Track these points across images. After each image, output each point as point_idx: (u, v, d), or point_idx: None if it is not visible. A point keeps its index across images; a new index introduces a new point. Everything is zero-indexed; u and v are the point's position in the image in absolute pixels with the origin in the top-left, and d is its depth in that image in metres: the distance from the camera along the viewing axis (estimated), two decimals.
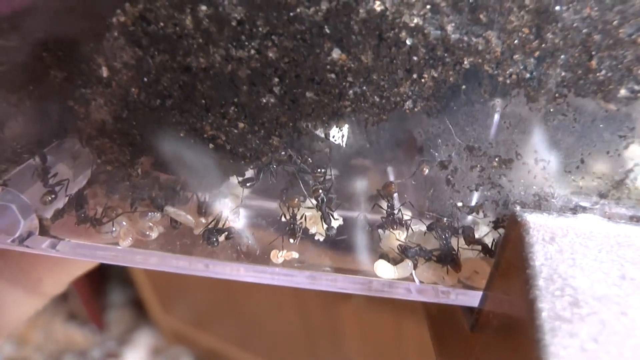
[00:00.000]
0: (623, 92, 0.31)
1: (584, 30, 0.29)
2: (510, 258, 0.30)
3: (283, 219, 0.35)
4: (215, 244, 0.35)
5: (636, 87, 0.30)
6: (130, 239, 0.35)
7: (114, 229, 0.35)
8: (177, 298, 1.77)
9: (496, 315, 0.32)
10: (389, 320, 1.37)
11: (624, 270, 0.28)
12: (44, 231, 0.35)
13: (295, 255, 0.36)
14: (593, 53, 0.30)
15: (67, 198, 0.36)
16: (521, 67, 0.30)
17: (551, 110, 0.31)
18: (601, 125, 0.31)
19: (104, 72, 0.30)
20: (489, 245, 0.34)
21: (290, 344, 1.62)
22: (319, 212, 0.35)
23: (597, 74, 0.30)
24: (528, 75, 0.30)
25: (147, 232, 0.35)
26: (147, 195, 0.34)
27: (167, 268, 0.36)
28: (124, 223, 0.35)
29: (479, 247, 0.34)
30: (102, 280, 1.84)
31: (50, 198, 0.34)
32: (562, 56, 0.30)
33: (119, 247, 0.35)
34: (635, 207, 0.33)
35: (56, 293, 0.49)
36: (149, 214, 0.35)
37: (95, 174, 0.35)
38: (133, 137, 0.32)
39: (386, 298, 0.35)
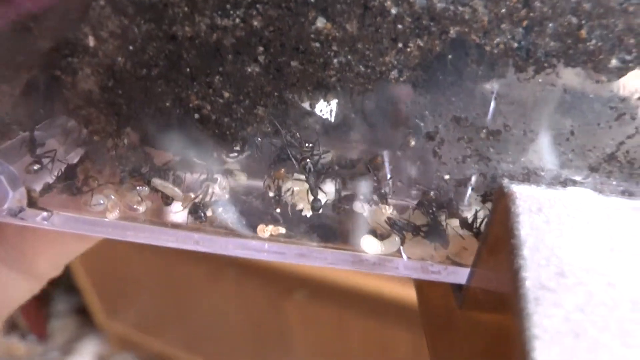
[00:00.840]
0: (614, 62, 0.30)
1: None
2: (497, 231, 0.30)
3: (270, 193, 0.35)
4: (203, 219, 0.35)
5: (627, 57, 0.30)
6: (118, 211, 0.35)
7: (101, 201, 0.35)
8: (122, 304, 1.77)
9: (483, 292, 0.32)
10: (333, 313, 1.38)
11: (613, 243, 0.28)
12: (32, 203, 0.35)
13: (282, 230, 0.36)
14: (583, 22, 0.29)
15: (57, 172, 0.36)
16: (509, 37, 0.30)
17: (540, 80, 0.30)
18: (591, 96, 0.31)
19: (91, 42, 0.30)
20: (469, 219, 0.33)
21: (237, 345, 1.62)
22: (307, 186, 0.34)
23: (587, 44, 0.30)
24: (516, 44, 0.30)
25: (135, 206, 0.35)
26: (134, 167, 0.34)
27: (157, 242, 0.36)
28: (112, 197, 0.35)
29: (457, 222, 0.33)
30: (45, 289, 1.82)
31: (35, 167, 0.34)
32: (551, 25, 0.29)
33: (106, 220, 0.35)
34: (627, 181, 0.32)
35: (52, 275, 0.49)
36: (137, 187, 0.35)
37: (83, 146, 0.35)
38: (119, 107, 0.32)
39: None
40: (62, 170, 0.36)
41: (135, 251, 1.51)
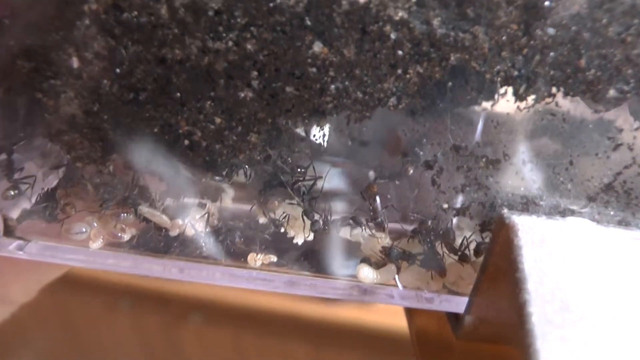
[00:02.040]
0: (612, 92, 0.30)
1: (573, 28, 0.28)
2: (497, 261, 0.29)
3: (261, 220, 0.34)
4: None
5: (625, 88, 0.30)
6: (101, 240, 0.33)
7: (83, 229, 0.33)
8: (16, 347, 1.72)
9: (483, 321, 0.31)
10: (229, 335, 1.38)
11: (615, 275, 0.27)
12: (8, 232, 0.33)
13: (273, 258, 0.34)
14: (582, 51, 0.29)
15: (35, 198, 0.34)
16: (509, 65, 0.29)
17: (540, 109, 0.30)
18: (590, 126, 0.30)
19: (75, 63, 0.29)
20: (464, 250, 0.33)
21: None
22: (300, 213, 0.33)
23: (587, 73, 0.29)
24: (516, 72, 0.29)
25: (119, 234, 0.34)
26: (120, 194, 0.33)
27: (141, 272, 0.34)
28: (95, 224, 0.34)
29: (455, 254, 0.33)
30: None
31: (12, 193, 0.32)
32: (552, 54, 0.29)
33: (89, 249, 0.34)
34: (624, 211, 0.32)
35: (25, 301, 0.47)
36: (122, 214, 0.33)
37: (63, 171, 0.33)
38: (104, 132, 0.30)
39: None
40: (41, 195, 0.35)
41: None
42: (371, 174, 0.38)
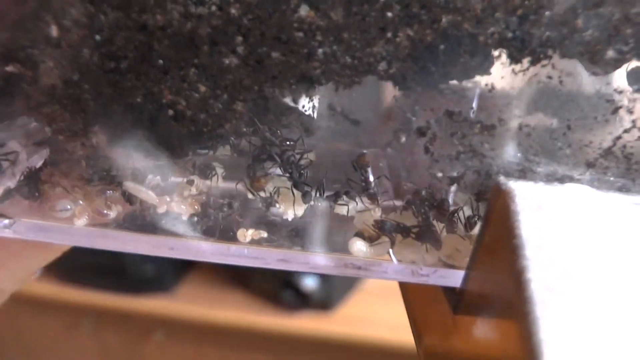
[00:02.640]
0: (610, 53, 0.29)
1: None
2: (494, 230, 0.28)
3: (250, 196, 0.33)
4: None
5: (624, 48, 0.29)
6: (86, 217, 0.32)
7: (68, 206, 0.32)
8: None
9: (481, 294, 0.30)
10: (192, 350, 1.42)
11: (616, 240, 0.27)
12: None
13: (264, 234, 0.34)
14: (579, 11, 0.28)
15: (19, 176, 0.33)
16: (503, 26, 0.28)
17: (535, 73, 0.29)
18: (588, 89, 0.29)
19: (53, 31, 0.28)
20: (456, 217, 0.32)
21: None
22: (289, 186, 0.32)
23: (583, 34, 0.28)
24: (510, 34, 0.28)
25: (105, 211, 0.33)
26: (103, 169, 0.32)
27: (129, 249, 0.34)
28: (80, 202, 0.33)
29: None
30: None
31: None
32: (547, 14, 0.28)
33: (75, 227, 0.33)
34: (624, 177, 0.31)
35: (13, 289, 0.46)
36: (107, 191, 0.33)
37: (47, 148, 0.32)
38: (86, 103, 0.29)
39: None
40: (24, 174, 0.34)
41: None
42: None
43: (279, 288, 1.31)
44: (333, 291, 1.32)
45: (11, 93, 0.30)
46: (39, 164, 0.35)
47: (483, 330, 0.30)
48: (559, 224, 0.27)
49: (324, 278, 1.29)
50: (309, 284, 1.30)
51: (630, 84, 0.30)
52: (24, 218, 0.33)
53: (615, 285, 0.24)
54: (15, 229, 0.34)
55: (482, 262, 0.30)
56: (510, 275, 0.25)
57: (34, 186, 0.33)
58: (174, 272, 1.40)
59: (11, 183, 0.34)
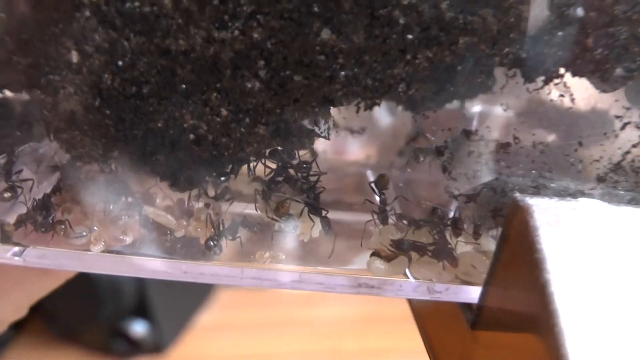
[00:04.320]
0: (619, 71, 0.30)
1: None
2: (513, 246, 0.29)
3: (267, 220, 0.33)
4: (218, 252, 0.32)
5: (632, 66, 0.30)
6: (103, 244, 0.32)
7: (84, 233, 0.32)
8: None
9: (501, 309, 0.30)
10: None
11: (631, 251, 0.27)
12: (5, 238, 0.32)
13: (282, 256, 0.34)
14: (589, 31, 0.29)
15: (30, 203, 0.33)
16: (518, 46, 0.29)
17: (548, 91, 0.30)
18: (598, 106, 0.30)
19: (74, 57, 0.28)
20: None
21: None
22: (305, 208, 0.32)
23: (594, 53, 0.29)
24: (525, 54, 0.29)
25: (121, 237, 0.32)
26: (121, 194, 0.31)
27: (143, 274, 0.33)
28: (95, 228, 0.32)
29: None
30: None
31: (8, 194, 0.31)
32: (559, 34, 0.29)
33: (90, 254, 0.32)
34: (634, 190, 0.32)
35: (15, 318, 0.45)
36: (123, 217, 0.32)
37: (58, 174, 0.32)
38: (106, 129, 0.29)
39: None
40: (36, 201, 0.33)
41: None
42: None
43: (109, 338, 1.25)
44: (164, 333, 1.27)
45: (28, 120, 0.29)
46: (49, 189, 0.35)
47: (505, 344, 0.30)
48: (577, 237, 0.27)
49: (154, 320, 1.23)
50: (139, 329, 1.24)
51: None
52: (37, 245, 0.33)
53: (635, 295, 0.25)
54: (26, 257, 0.33)
55: (501, 278, 0.30)
56: (533, 290, 0.26)
57: (46, 213, 0.33)
58: None
59: (23, 210, 0.33)
